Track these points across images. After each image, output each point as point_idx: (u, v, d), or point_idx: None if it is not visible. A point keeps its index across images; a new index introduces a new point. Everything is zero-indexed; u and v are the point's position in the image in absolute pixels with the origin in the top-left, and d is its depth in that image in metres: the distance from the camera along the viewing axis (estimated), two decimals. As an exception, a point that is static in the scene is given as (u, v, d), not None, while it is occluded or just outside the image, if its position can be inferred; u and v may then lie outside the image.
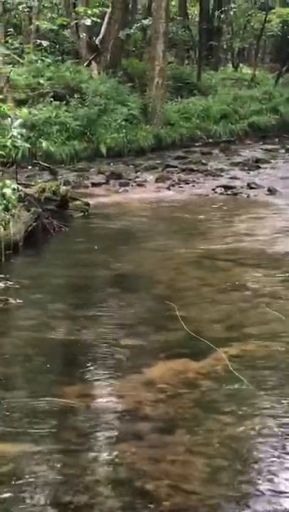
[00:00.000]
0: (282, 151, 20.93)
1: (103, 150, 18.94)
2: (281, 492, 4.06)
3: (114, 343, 6.33)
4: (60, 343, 6.41)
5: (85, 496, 4.04)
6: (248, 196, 13.87)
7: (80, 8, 17.55)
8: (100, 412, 5.07)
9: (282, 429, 4.68)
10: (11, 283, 7.95)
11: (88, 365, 5.88)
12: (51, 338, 6.48)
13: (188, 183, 15.31)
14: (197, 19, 31.34)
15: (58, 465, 4.35)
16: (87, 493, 4.06)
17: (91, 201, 12.54)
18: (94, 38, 23.34)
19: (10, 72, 17.76)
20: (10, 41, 21.11)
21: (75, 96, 19.88)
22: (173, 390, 5.29)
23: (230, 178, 15.99)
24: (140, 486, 4.12)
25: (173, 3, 30.92)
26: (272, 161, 18.71)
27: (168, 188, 14.84)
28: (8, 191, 9.53)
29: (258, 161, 18.46)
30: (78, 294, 7.94)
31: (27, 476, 4.20)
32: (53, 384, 5.55)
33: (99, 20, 18.67)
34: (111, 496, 4.07)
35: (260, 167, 17.49)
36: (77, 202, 12.09)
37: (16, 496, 4.01)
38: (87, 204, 12.22)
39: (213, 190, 14.48)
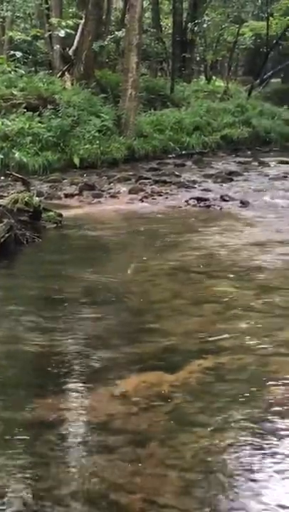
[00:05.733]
0: (255, 163, 21.05)
1: (76, 161, 18.96)
2: (254, 506, 4.06)
3: (87, 355, 6.31)
4: (33, 356, 6.37)
5: (58, 509, 4.01)
6: (220, 208, 13.90)
7: (54, 20, 17.55)
8: (72, 425, 5.04)
9: (255, 442, 4.68)
10: (-16, 294, 7.91)
11: (61, 377, 5.85)
12: (24, 351, 6.44)
13: (161, 195, 15.32)
14: (170, 31, 31.50)
15: (31, 478, 4.32)
16: (60, 507, 4.03)
17: (64, 212, 12.51)
18: (67, 49, 23.37)
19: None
20: (-17, 52, 21.09)
21: (48, 107, 19.91)
22: (146, 403, 5.28)
23: (203, 190, 16.02)
24: (114, 500, 4.11)
25: (146, 15, 31.08)
26: (245, 173, 18.79)
27: (141, 200, 14.84)
28: (-20, 202, 9.52)
29: (230, 173, 18.53)
30: (51, 305, 7.90)
31: (-1, 490, 4.17)
32: (26, 397, 5.52)
33: (73, 32, 18.67)
34: (84, 509, 4.04)
35: (232, 179, 17.55)
36: (50, 213, 12.05)
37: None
38: (60, 215, 12.19)
39: (186, 202, 14.50)
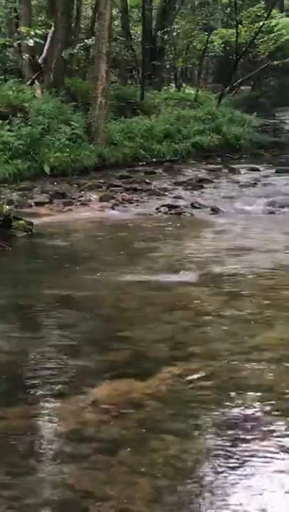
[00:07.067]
0: (225, 170, 21.09)
1: (47, 169, 18.90)
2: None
3: (58, 363, 6.29)
4: (3, 364, 6.34)
5: (28, 519, 4.01)
6: (191, 215, 13.94)
7: (23, 29, 17.52)
8: (43, 434, 5.02)
9: (225, 449, 4.69)
10: None
11: (31, 386, 5.82)
12: (-6, 360, 6.42)
13: (132, 203, 15.33)
14: (140, 39, 31.55)
15: (0, 487, 4.30)
16: (30, 517, 4.03)
17: (35, 221, 12.49)
18: (37, 56, 23.33)
19: None
20: None
21: (18, 115, 19.81)
22: (117, 411, 5.28)
23: (174, 197, 16.05)
24: (84, 508, 4.10)
25: (116, 23, 31.10)
26: (215, 180, 18.83)
27: (112, 208, 14.85)
28: None
29: (201, 180, 18.55)
30: (21, 314, 7.89)
31: None
32: (-4, 406, 5.50)
33: (42, 42, 18.64)
34: (55, 518, 4.04)
35: (203, 187, 17.58)
36: (21, 221, 12.02)
37: None
38: (31, 223, 12.16)
39: (157, 209, 14.53)
